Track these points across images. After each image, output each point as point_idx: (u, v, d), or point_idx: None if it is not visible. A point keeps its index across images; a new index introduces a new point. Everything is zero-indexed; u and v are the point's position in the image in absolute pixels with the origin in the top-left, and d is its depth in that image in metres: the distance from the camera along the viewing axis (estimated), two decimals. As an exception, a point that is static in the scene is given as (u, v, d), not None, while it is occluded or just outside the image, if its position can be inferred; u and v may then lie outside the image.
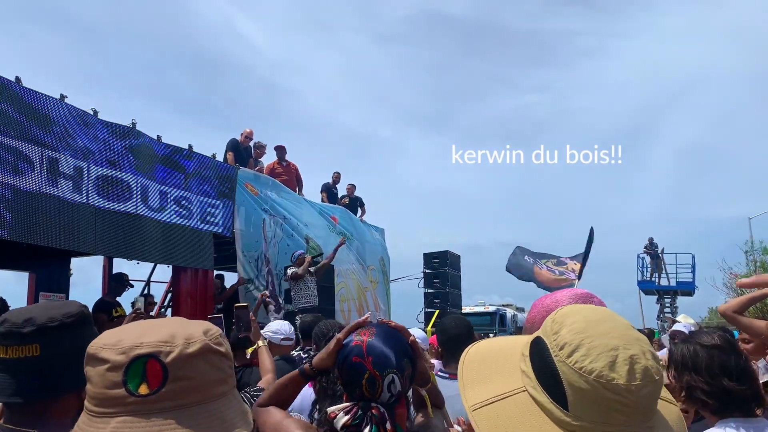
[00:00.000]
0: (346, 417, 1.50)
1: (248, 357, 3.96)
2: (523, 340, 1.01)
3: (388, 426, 1.50)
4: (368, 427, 1.48)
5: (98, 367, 0.85)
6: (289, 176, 11.52)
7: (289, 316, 9.39)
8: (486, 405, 0.93)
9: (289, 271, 8.67)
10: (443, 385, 2.32)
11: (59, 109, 6.63)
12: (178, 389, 0.85)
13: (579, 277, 13.43)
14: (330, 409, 1.54)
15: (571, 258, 14.25)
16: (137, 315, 3.92)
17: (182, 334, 0.89)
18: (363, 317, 1.70)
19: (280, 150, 11.66)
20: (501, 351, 1.05)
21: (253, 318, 3.35)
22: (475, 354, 1.06)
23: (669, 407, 0.99)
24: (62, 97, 6.72)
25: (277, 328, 4.43)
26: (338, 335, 1.64)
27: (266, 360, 3.06)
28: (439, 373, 3.03)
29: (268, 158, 11.64)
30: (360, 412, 1.51)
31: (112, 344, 0.86)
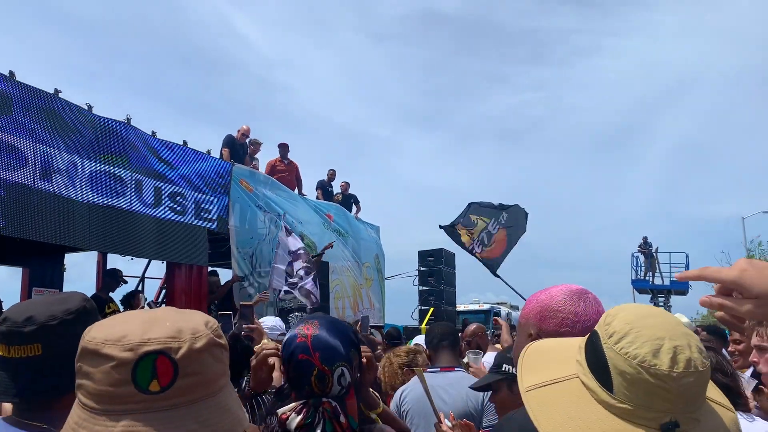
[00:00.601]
0: (299, 417, 1.46)
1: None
2: (583, 338, 1.07)
3: (342, 419, 1.46)
4: (321, 424, 1.45)
5: (102, 364, 0.82)
6: (289, 174, 11.53)
7: (282, 313, 9.39)
8: (539, 388, 1.00)
9: None
10: (431, 377, 2.68)
11: (53, 103, 6.60)
12: (187, 385, 0.84)
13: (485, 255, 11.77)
14: (280, 411, 1.50)
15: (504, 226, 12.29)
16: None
17: (188, 328, 0.87)
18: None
19: (284, 147, 11.71)
20: (560, 345, 1.13)
21: (256, 317, 3.38)
22: (536, 347, 1.14)
23: (726, 412, 1.02)
24: (56, 91, 6.68)
25: (273, 324, 4.44)
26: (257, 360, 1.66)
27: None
28: (428, 370, 3.17)
29: (270, 155, 11.74)
30: (312, 409, 1.47)
31: (115, 340, 0.83)
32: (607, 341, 0.94)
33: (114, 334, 0.84)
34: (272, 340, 4.24)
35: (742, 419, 1.92)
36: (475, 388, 2.53)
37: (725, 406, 1.03)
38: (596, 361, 0.95)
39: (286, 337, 1.59)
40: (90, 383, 0.83)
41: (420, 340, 5.42)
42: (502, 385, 2.25)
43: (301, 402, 1.49)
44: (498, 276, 11.96)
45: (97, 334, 0.85)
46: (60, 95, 6.70)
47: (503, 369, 2.27)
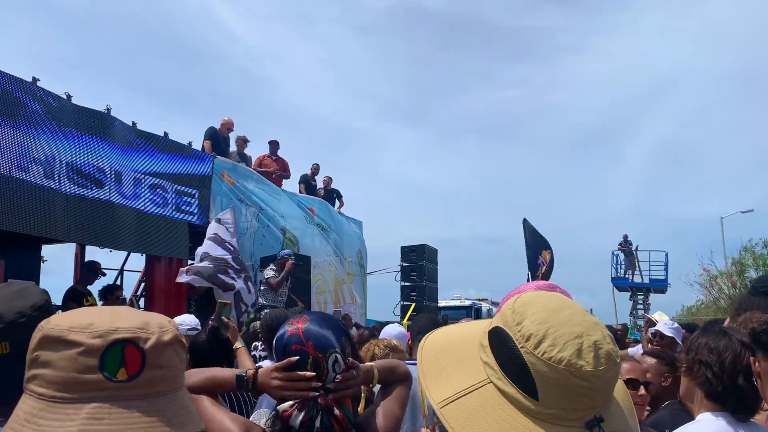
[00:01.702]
0: (302, 413, 1.48)
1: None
2: (479, 328, 1.01)
3: (337, 412, 1.48)
4: (318, 418, 1.47)
5: (67, 350, 0.81)
6: (275, 176, 11.55)
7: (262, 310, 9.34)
8: (453, 401, 0.93)
9: (268, 273, 8.36)
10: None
11: (31, 92, 6.49)
12: (153, 377, 0.83)
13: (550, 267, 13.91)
14: (281, 408, 1.51)
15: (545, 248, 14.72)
16: None
17: (154, 322, 0.87)
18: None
19: (274, 145, 11.83)
20: (458, 340, 1.05)
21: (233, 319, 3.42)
22: (432, 346, 1.06)
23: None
24: (35, 80, 6.58)
25: (182, 320, 4.48)
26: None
27: (246, 362, 3.16)
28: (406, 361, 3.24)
29: (260, 150, 11.83)
30: (312, 402, 1.49)
31: (82, 327, 0.82)
32: (525, 345, 0.88)
33: (80, 322, 0.83)
34: (182, 335, 4.26)
35: (732, 421, 1.89)
36: None
37: None
38: (513, 366, 0.89)
39: (278, 333, 1.60)
40: (49, 371, 0.82)
41: (388, 332, 5.40)
42: None
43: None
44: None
45: (60, 321, 0.84)
46: (38, 83, 6.60)
47: None
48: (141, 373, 0.82)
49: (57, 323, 0.84)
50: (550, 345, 0.86)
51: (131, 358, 0.82)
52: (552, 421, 0.87)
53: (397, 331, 5.47)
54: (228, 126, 10.48)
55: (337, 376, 1.53)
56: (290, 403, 1.51)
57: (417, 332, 3.69)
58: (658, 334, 4.87)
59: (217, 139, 10.13)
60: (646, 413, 2.66)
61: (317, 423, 1.47)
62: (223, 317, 3.63)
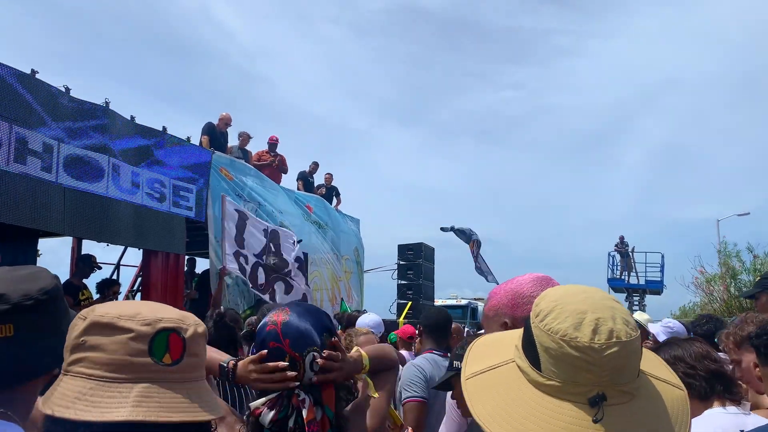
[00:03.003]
0: (272, 412, 1.45)
1: None
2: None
3: (304, 413, 1.43)
4: (292, 418, 1.44)
5: (119, 335, 0.91)
6: (273, 167, 11.58)
7: (260, 304, 9.32)
8: (478, 375, 1.01)
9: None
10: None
11: (29, 84, 6.45)
12: (190, 363, 0.95)
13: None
14: (253, 405, 1.48)
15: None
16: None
17: (189, 315, 0.99)
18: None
19: (273, 141, 11.91)
20: (506, 336, 1.14)
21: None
22: (482, 340, 1.15)
23: (672, 390, 1.00)
24: (33, 72, 6.54)
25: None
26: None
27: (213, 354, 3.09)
28: (409, 358, 3.22)
29: (259, 147, 11.83)
30: (285, 401, 1.46)
31: (130, 315, 0.93)
32: (534, 320, 0.95)
33: (126, 311, 0.94)
34: None
35: (739, 413, 1.93)
36: (436, 387, 2.62)
37: (673, 384, 1.02)
38: (527, 341, 0.96)
39: (259, 325, 1.57)
40: (100, 354, 0.91)
41: (364, 321, 5.38)
42: (456, 382, 2.30)
43: (274, 395, 1.48)
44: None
45: (109, 310, 0.95)
46: (37, 76, 6.56)
47: (454, 366, 2.38)
48: (182, 358, 0.94)
49: (105, 311, 0.94)
50: (553, 318, 0.92)
51: (175, 345, 0.93)
52: (554, 393, 0.90)
53: (372, 320, 5.44)
54: (226, 121, 10.46)
55: (315, 376, 1.49)
56: (262, 400, 1.48)
57: (429, 325, 3.83)
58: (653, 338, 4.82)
59: (215, 134, 10.11)
60: None
61: (290, 423, 1.44)
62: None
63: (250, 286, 7.87)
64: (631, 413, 0.90)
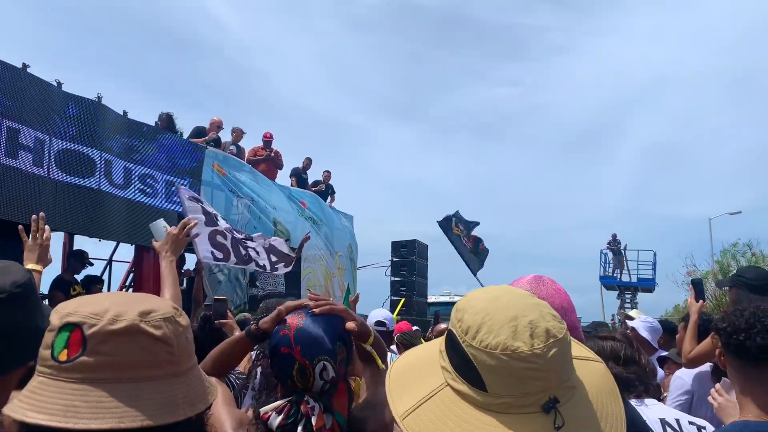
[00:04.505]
0: (280, 417, 1.44)
1: None
2: (441, 339, 1.00)
3: (314, 421, 1.42)
4: (301, 425, 1.43)
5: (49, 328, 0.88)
6: (269, 161, 11.58)
7: (253, 300, 9.31)
8: (413, 410, 0.91)
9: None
10: None
11: (21, 78, 6.40)
12: (93, 363, 0.84)
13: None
14: (262, 410, 1.47)
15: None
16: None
17: (116, 310, 0.87)
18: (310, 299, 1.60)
19: (268, 138, 11.89)
20: (423, 354, 1.04)
21: (231, 313, 3.36)
22: (398, 365, 1.04)
23: (592, 365, 1.00)
24: (25, 66, 6.49)
25: None
26: (280, 307, 1.56)
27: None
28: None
29: (254, 142, 11.83)
30: (293, 408, 1.45)
31: (65, 308, 0.88)
32: (465, 338, 0.88)
33: (75, 303, 0.89)
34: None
35: (639, 406, 1.99)
36: None
37: (590, 359, 1.00)
38: (461, 362, 0.89)
39: (275, 329, 1.55)
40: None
41: (376, 315, 5.35)
42: None
43: (284, 401, 1.47)
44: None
45: (70, 303, 0.90)
46: (28, 70, 6.51)
47: None
48: (79, 356, 0.84)
49: (68, 304, 0.90)
50: (486, 333, 0.86)
51: (74, 341, 0.85)
52: (507, 410, 0.85)
53: (384, 314, 5.43)
54: (218, 124, 10.36)
55: (326, 384, 1.48)
56: (271, 405, 1.47)
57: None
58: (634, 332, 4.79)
59: (203, 138, 9.97)
60: None
61: (299, 429, 1.43)
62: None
63: (235, 262, 7.42)
64: (581, 405, 0.88)
